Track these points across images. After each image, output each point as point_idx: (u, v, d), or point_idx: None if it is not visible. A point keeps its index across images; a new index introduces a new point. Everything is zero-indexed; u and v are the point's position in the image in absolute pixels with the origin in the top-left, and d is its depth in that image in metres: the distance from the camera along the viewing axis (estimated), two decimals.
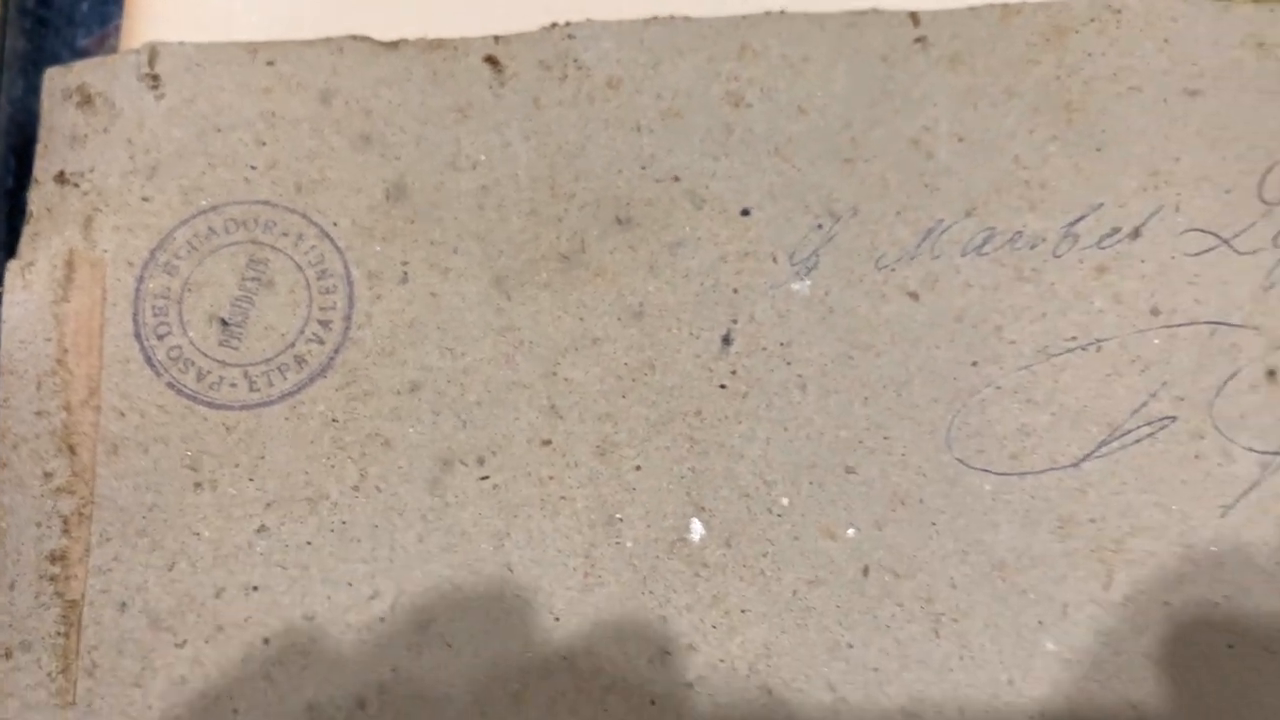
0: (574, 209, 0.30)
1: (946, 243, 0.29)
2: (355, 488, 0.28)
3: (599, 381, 0.29)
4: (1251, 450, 0.28)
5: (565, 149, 0.30)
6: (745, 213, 0.30)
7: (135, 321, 0.29)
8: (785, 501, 0.28)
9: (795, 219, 0.30)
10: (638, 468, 0.28)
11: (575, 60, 0.31)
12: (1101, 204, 0.29)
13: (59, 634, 0.28)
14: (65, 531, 0.28)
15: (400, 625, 0.28)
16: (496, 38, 0.31)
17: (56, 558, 0.28)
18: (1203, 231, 0.29)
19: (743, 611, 0.28)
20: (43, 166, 0.30)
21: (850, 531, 0.28)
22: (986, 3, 0.31)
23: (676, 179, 0.30)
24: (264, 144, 0.30)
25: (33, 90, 0.32)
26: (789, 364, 0.29)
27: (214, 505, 0.28)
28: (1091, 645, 0.27)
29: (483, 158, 0.30)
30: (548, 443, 0.29)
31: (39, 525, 0.28)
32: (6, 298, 0.29)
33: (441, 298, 0.29)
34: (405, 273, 0.30)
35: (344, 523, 0.28)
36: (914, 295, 0.29)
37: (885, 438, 0.28)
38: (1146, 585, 0.27)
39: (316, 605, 0.28)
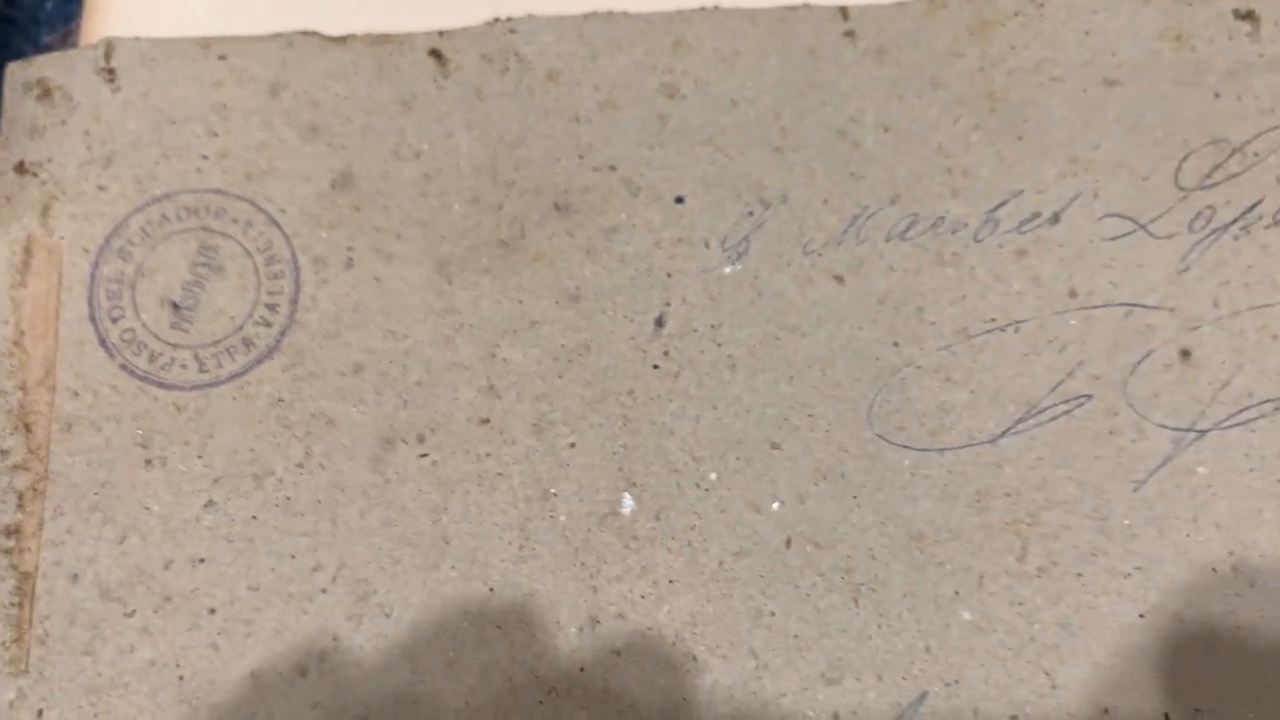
0: (514, 196, 0.31)
1: (871, 229, 0.31)
2: (300, 465, 0.30)
3: (536, 363, 0.30)
4: (1164, 427, 0.29)
5: (506, 139, 0.32)
6: (679, 200, 0.31)
7: (90, 305, 0.31)
8: (713, 476, 0.29)
9: (727, 206, 0.31)
10: (572, 445, 0.30)
11: (516, 54, 0.32)
12: (1022, 190, 0.31)
13: (13, 605, 0.29)
14: (20, 506, 0.29)
15: (341, 596, 0.29)
16: (441, 32, 0.32)
17: (11, 531, 0.29)
18: (1120, 217, 0.31)
19: (670, 582, 0.29)
20: (3, 156, 0.31)
21: (775, 505, 0.29)
22: None
23: (613, 168, 0.31)
24: (215, 135, 0.32)
25: None
26: (719, 345, 0.30)
27: (164, 481, 0.30)
28: (1006, 615, 0.28)
29: (426, 147, 0.31)
30: (486, 421, 0.30)
31: None
32: None
33: (385, 282, 0.31)
34: (350, 258, 0.31)
35: (288, 498, 0.29)
36: (839, 279, 0.31)
37: (810, 415, 0.30)
38: (1060, 557, 0.29)
39: (261, 577, 0.29)
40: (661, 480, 0.29)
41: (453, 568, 0.29)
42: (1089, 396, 0.29)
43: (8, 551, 0.29)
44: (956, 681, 0.28)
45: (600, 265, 0.31)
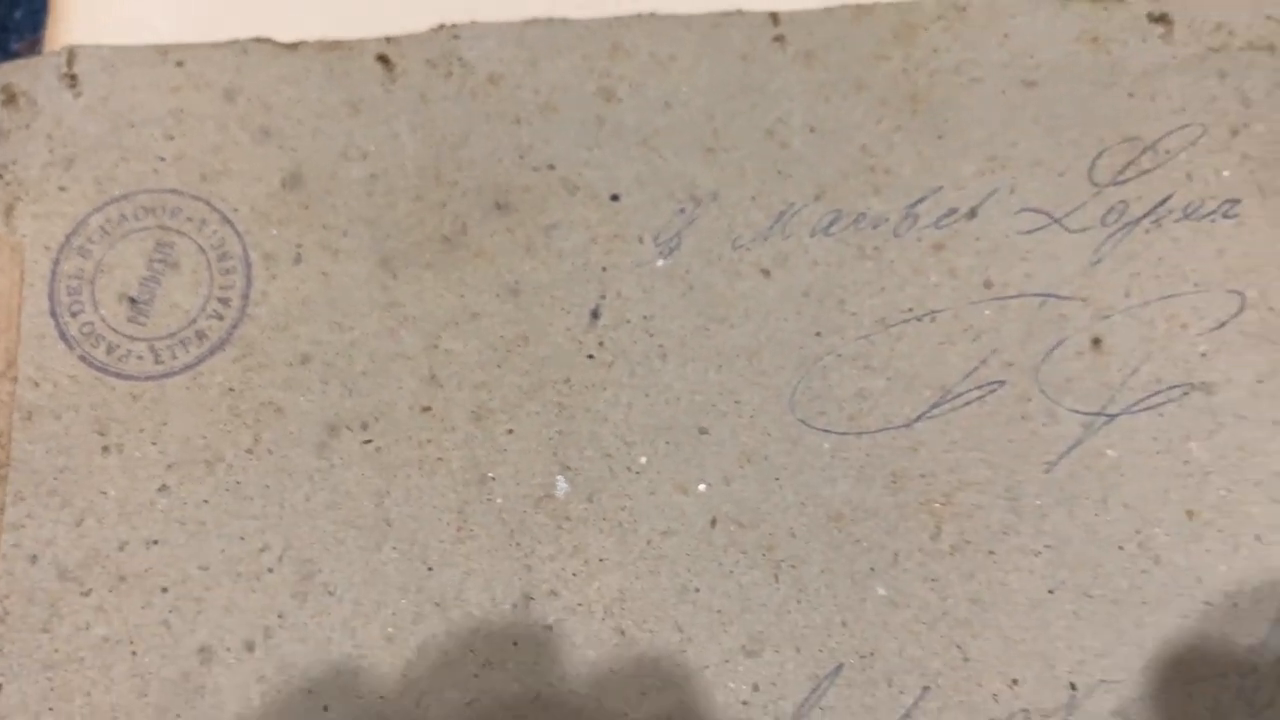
0: (457, 195, 0.33)
1: (797, 224, 0.32)
2: (249, 451, 0.31)
3: (476, 353, 0.32)
4: (1075, 411, 0.31)
5: (449, 140, 0.33)
6: (615, 198, 0.33)
7: (51, 300, 0.32)
8: (643, 460, 0.31)
9: (660, 203, 0.33)
10: (510, 431, 0.31)
11: (460, 59, 0.34)
12: (941, 187, 0.32)
13: None
14: None
15: (287, 575, 0.31)
16: (388, 38, 0.34)
17: None
18: (1035, 211, 0.32)
19: (601, 560, 0.30)
20: None
21: (701, 487, 0.31)
22: (841, 3, 0.34)
23: (552, 167, 0.33)
24: (172, 138, 0.33)
25: None
26: (651, 335, 0.32)
27: (120, 467, 0.31)
28: (920, 591, 0.30)
29: (373, 148, 0.33)
30: (427, 409, 0.32)
31: None
32: None
33: (332, 277, 0.32)
34: (299, 254, 0.33)
35: (238, 483, 0.31)
36: (766, 272, 0.32)
37: (736, 401, 0.31)
38: (972, 535, 0.30)
39: (211, 557, 0.31)
40: (594, 464, 0.31)
41: (393, 548, 0.31)
42: (1002, 382, 0.31)
43: None
44: (871, 654, 0.30)
45: (539, 260, 0.33)
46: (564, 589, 0.30)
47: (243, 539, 0.31)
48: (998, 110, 0.33)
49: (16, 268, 0.33)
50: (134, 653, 0.30)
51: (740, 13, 0.34)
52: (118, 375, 0.32)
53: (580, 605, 0.30)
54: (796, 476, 0.31)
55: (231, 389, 0.32)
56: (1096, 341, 0.31)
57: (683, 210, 0.33)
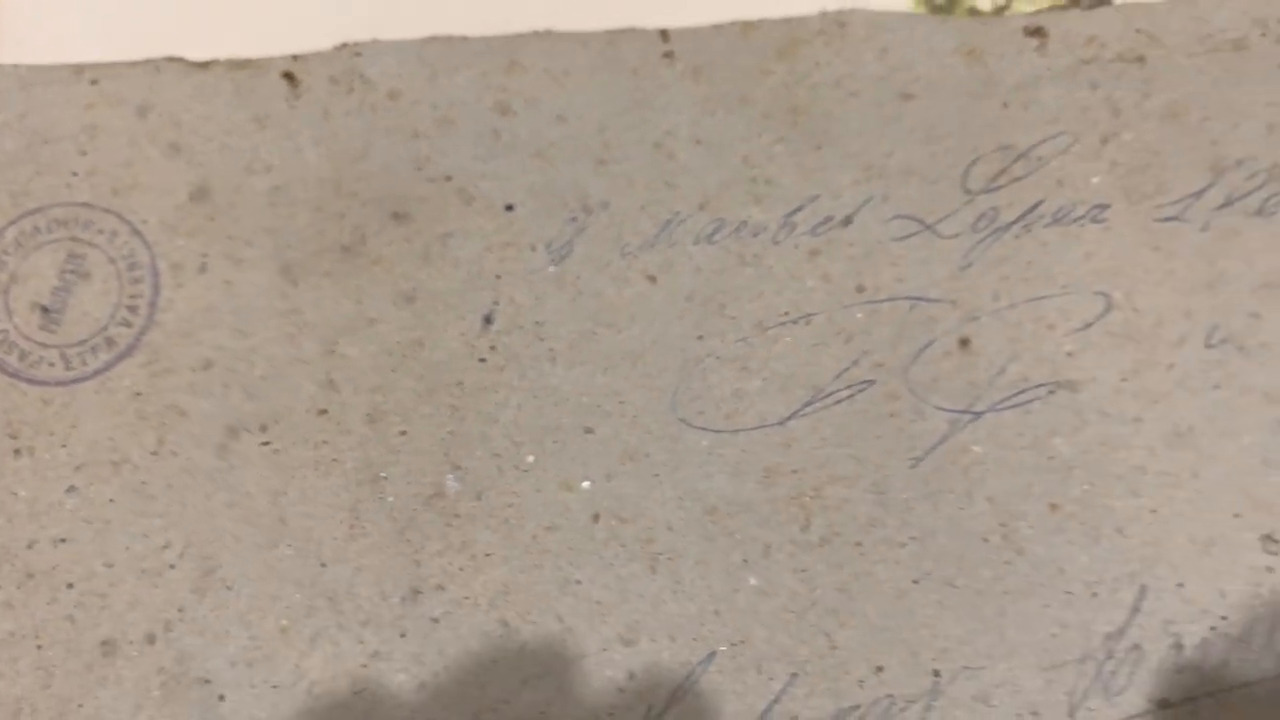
0: (356, 206, 0.35)
1: (682, 233, 0.34)
2: (154, 452, 0.33)
3: (372, 358, 0.34)
4: (942, 409, 0.33)
5: (350, 153, 0.35)
6: (509, 208, 0.35)
7: None
8: (530, 459, 0.33)
9: (553, 213, 0.35)
10: (403, 433, 0.33)
11: (361, 75, 0.36)
12: (818, 196, 0.34)
13: None
14: None
15: (188, 571, 0.32)
16: (295, 56, 0.36)
17: None
18: (908, 218, 0.34)
19: (487, 555, 0.32)
20: None
21: (585, 484, 0.32)
22: (729, 20, 0.36)
23: (449, 179, 0.35)
24: (85, 153, 0.35)
25: None
26: (542, 340, 0.34)
27: (30, 469, 0.33)
28: (790, 581, 0.32)
29: (277, 162, 0.35)
30: (324, 412, 0.33)
31: None
32: None
33: (235, 285, 0.34)
34: (204, 264, 0.34)
35: (143, 483, 0.33)
36: (652, 278, 0.34)
37: (620, 402, 0.33)
38: (841, 528, 0.32)
39: (116, 554, 0.32)
40: (484, 463, 0.33)
41: (289, 545, 0.32)
42: (872, 382, 0.33)
43: None
44: (743, 642, 0.31)
45: (435, 268, 0.34)
46: (451, 583, 0.32)
47: (146, 537, 0.33)
48: (875, 122, 0.35)
49: None
50: (39, 646, 0.32)
51: (633, 30, 0.36)
52: (30, 381, 0.34)
53: (466, 598, 0.32)
54: (675, 473, 0.32)
55: (138, 393, 0.34)
56: (964, 342, 0.33)
57: (574, 219, 0.35)
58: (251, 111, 0.36)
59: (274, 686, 0.31)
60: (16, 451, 0.33)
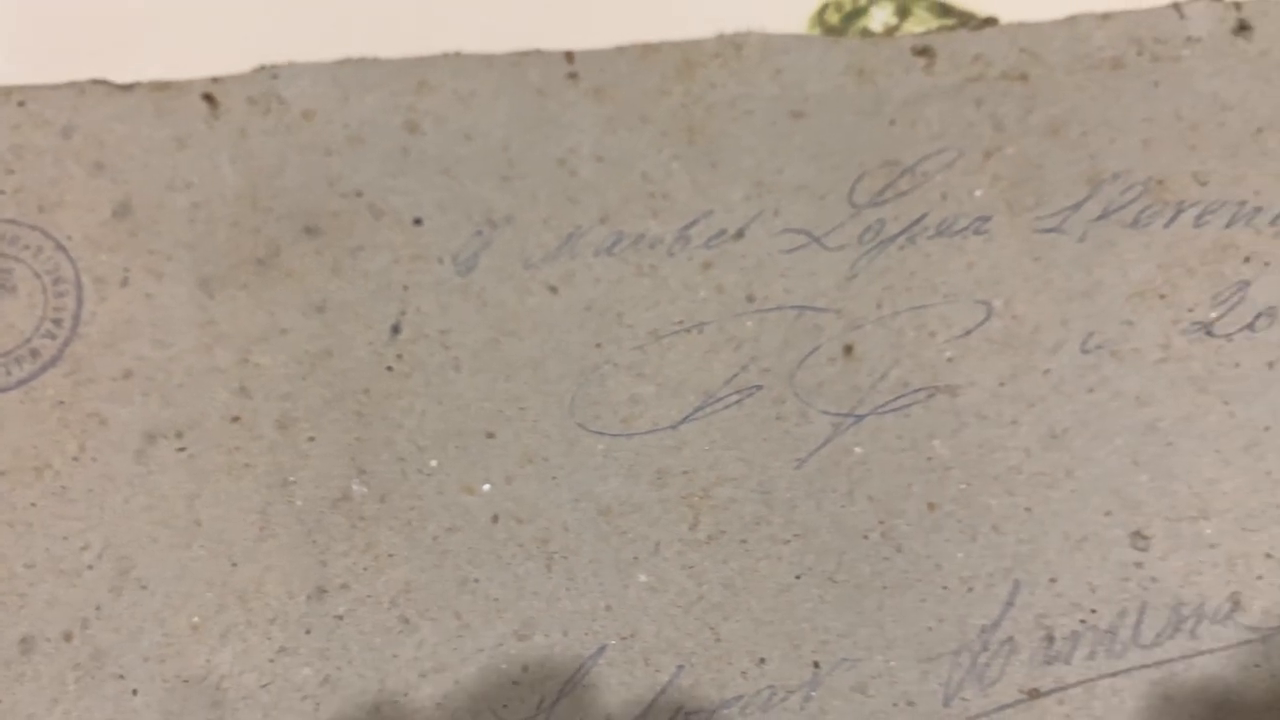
0: (271, 221, 0.36)
1: (583, 245, 0.36)
2: (75, 458, 0.35)
3: (284, 366, 0.35)
4: (825, 413, 0.34)
5: (265, 171, 0.37)
6: (418, 222, 0.36)
7: None
8: (434, 463, 0.34)
9: (459, 227, 0.36)
10: (311, 439, 0.35)
11: (278, 96, 0.37)
12: (712, 211, 0.36)
13: None
14: None
15: (105, 571, 0.34)
16: (214, 79, 0.38)
17: None
18: (797, 231, 0.36)
19: (390, 555, 0.34)
20: None
21: (486, 486, 0.34)
22: (631, 42, 0.38)
23: (359, 194, 0.37)
24: (12, 172, 0.37)
25: None
26: (447, 348, 0.35)
27: None
28: (678, 577, 0.33)
29: (196, 180, 0.37)
30: (237, 419, 0.35)
31: None
32: None
33: (155, 298, 0.36)
34: (126, 278, 0.36)
35: (64, 487, 0.35)
36: (554, 289, 0.36)
37: (521, 408, 0.35)
38: (728, 526, 0.34)
39: (36, 556, 0.34)
40: (389, 468, 0.35)
41: (202, 546, 0.34)
42: (759, 387, 0.35)
43: None
44: (632, 635, 0.33)
45: (345, 280, 0.36)
46: (355, 582, 0.34)
47: (66, 539, 0.34)
48: (767, 140, 0.37)
49: None
50: None
51: (538, 52, 0.38)
52: None
53: (369, 596, 0.34)
54: (572, 475, 0.34)
55: (61, 402, 0.35)
56: (848, 349, 0.35)
57: (480, 233, 0.36)
58: (172, 131, 0.37)
59: (185, 681, 0.33)
60: None
